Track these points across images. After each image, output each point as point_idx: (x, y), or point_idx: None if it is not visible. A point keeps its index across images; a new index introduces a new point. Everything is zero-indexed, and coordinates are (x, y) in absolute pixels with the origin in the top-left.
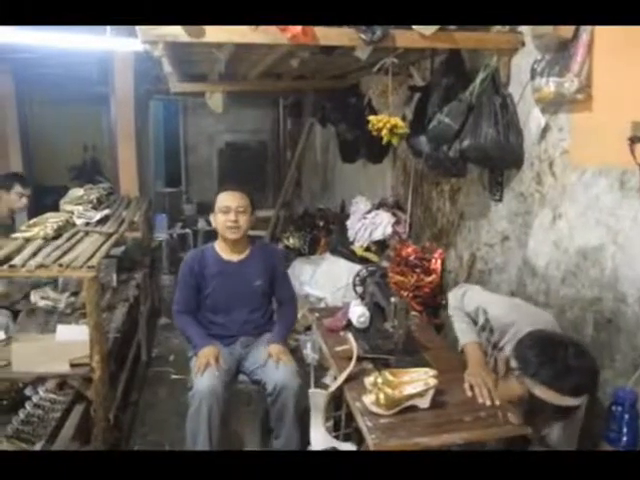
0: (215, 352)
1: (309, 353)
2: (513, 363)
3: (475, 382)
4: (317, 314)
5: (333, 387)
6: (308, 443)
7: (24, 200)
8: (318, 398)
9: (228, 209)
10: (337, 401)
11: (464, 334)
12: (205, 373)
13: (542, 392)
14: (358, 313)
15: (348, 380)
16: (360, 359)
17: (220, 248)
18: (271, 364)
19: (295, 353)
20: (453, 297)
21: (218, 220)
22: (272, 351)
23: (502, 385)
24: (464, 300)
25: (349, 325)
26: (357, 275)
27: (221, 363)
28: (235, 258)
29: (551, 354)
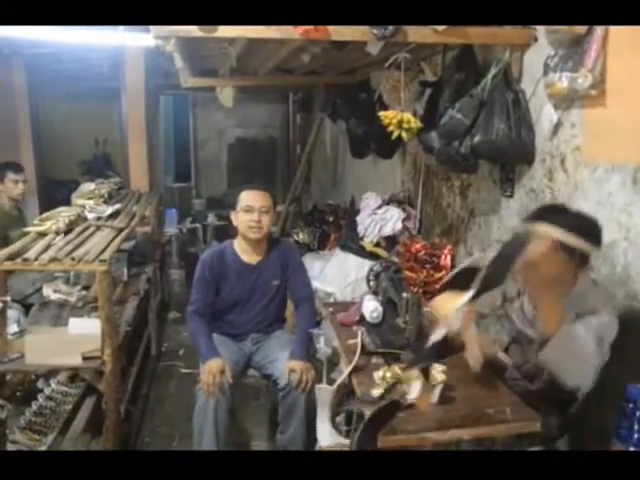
0: (221, 366)
1: (322, 347)
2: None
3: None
4: (331, 308)
5: (338, 381)
6: (314, 440)
7: (21, 186)
8: (324, 394)
9: (251, 209)
10: (350, 395)
11: None
12: (212, 363)
13: (543, 228)
14: (371, 308)
15: (358, 374)
16: (371, 354)
17: (240, 248)
18: (282, 359)
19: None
20: None
21: (240, 219)
22: (295, 367)
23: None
24: None
25: (362, 320)
26: (371, 270)
27: (228, 376)
28: (254, 260)
29: (556, 206)
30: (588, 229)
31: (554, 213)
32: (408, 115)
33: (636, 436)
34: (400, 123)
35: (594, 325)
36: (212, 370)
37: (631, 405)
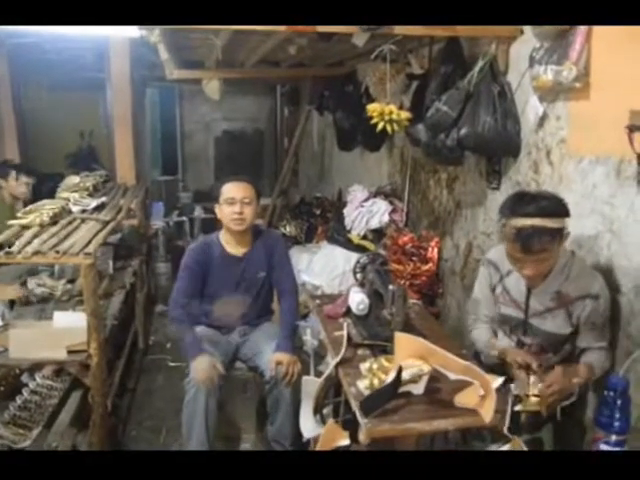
0: (210, 361)
1: (309, 339)
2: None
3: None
4: (318, 301)
5: (325, 373)
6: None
7: (23, 188)
8: (311, 386)
9: (233, 200)
10: (337, 387)
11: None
12: (201, 359)
13: (522, 222)
14: (357, 300)
15: (344, 366)
16: (358, 345)
17: (225, 240)
18: (269, 351)
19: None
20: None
21: (223, 212)
22: (281, 360)
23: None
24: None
25: (349, 312)
26: (358, 262)
27: (219, 368)
28: (240, 252)
29: (521, 196)
30: (556, 206)
31: (523, 204)
32: (390, 107)
33: (617, 424)
34: (382, 114)
35: (602, 314)
36: (201, 369)
37: (612, 393)
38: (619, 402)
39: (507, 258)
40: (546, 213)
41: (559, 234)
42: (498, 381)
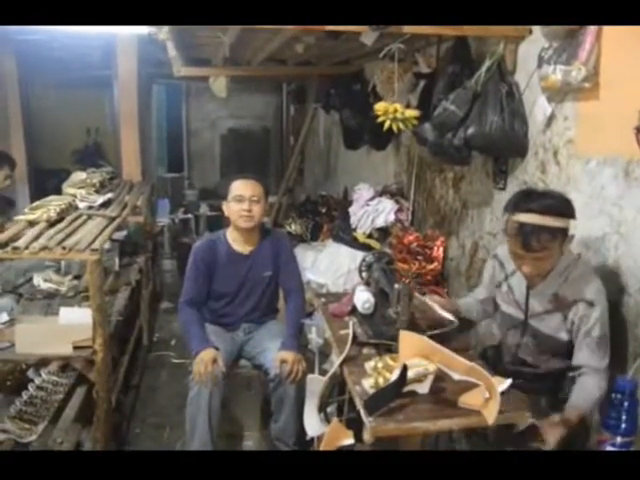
0: (213, 355)
1: (314, 337)
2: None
3: None
4: (323, 299)
5: (330, 372)
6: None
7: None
8: (315, 384)
9: (242, 198)
10: (342, 386)
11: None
12: (204, 354)
13: (524, 218)
14: (363, 299)
15: (349, 364)
16: (363, 344)
17: (232, 238)
18: (274, 349)
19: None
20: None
21: (231, 209)
22: (286, 358)
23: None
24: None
25: (354, 311)
26: (363, 261)
27: (221, 366)
28: (246, 250)
29: (527, 193)
30: (561, 206)
31: (528, 201)
32: (395, 105)
33: (623, 426)
34: (387, 112)
35: (596, 324)
36: (204, 359)
37: (619, 396)
38: (626, 404)
39: (509, 254)
40: (549, 211)
41: (561, 234)
42: (503, 384)
